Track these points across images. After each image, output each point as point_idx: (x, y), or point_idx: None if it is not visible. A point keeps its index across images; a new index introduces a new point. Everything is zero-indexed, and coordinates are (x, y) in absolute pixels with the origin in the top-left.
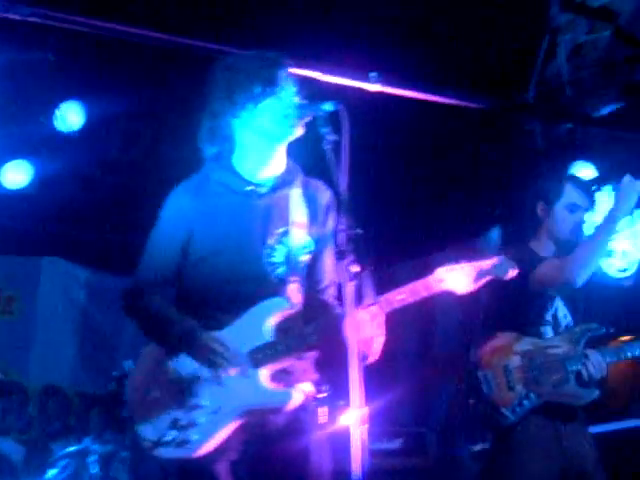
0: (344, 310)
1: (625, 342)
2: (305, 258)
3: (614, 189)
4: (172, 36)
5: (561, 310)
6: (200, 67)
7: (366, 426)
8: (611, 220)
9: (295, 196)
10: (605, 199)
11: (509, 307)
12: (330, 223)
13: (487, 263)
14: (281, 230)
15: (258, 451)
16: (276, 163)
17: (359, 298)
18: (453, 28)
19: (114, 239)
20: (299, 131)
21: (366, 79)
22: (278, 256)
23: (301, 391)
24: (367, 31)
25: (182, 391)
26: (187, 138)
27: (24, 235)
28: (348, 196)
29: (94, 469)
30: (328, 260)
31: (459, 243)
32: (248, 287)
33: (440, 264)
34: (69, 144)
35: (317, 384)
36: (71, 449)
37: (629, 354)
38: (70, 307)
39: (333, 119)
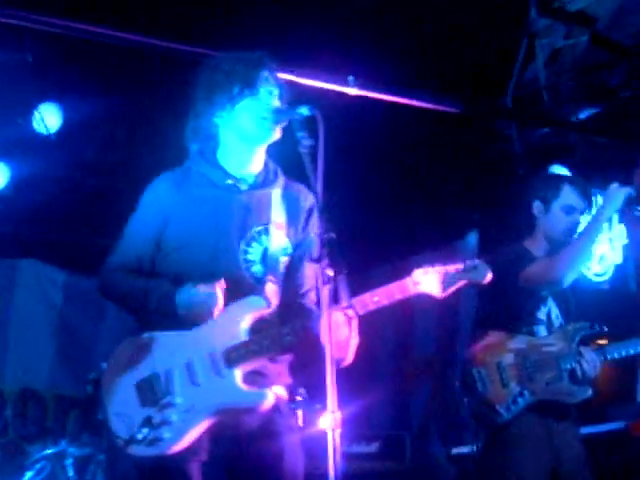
0: (320, 312)
1: (607, 344)
2: (283, 259)
3: (599, 193)
4: (150, 39)
5: (554, 311)
6: (179, 69)
7: (339, 430)
8: (596, 223)
9: (276, 196)
10: None
11: (501, 305)
12: (310, 228)
13: (463, 267)
14: (259, 228)
15: (231, 452)
16: (256, 163)
17: (334, 301)
18: (431, 32)
19: (91, 241)
20: (277, 134)
21: (344, 83)
22: (254, 254)
23: (274, 393)
24: (345, 34)
25: (155, 389)
26: (165, 140)
27: (0, 237)
28: (324, 200)
29: (70, 472)
30: (309, 265)
31: (437, 246)
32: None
33: (417, 267)
34: (46, 146)
35: (292, 388)
36: (47, 452)
37: (623, 353)
38: (47, 309)
39: (309, 123)
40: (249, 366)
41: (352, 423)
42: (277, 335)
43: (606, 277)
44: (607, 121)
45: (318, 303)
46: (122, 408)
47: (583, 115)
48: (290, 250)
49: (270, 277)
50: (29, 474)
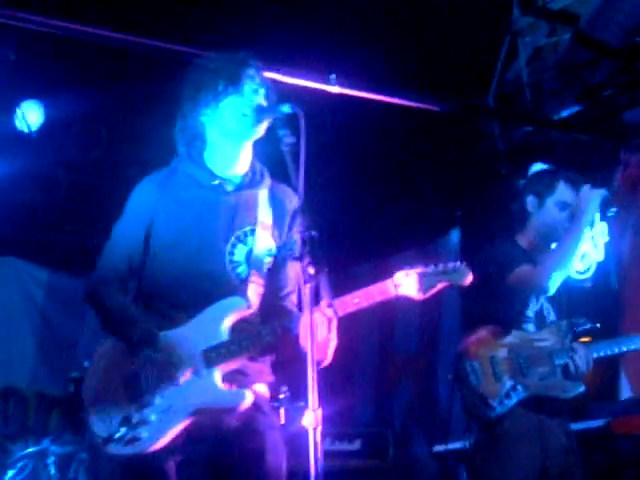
0: (300, 314)
1: (591, 342)
2: (268, 260)
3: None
4: (133, 37)
5: (545, 306)
6: (161, 67)
7: (320, 427)
8: (577, 229)
9: (262, 197)
10: None
11: (492, 302)
12: (295, 229)
13: (444, 269)
14: (246, 229)
15: (213, 451)
16: (242, 162)
17: (315, 301)
18: (413, 30)
19: (73, 240)
20: (261, 131)
21: (326, 81)
22: (239, 255)
23: (254, 392)
24: (327, 33)
25: (135, 388)
26: (147, 138)
27: None
28: (305, 198)
29: (52, 470)
30: (292, 267)
31: (419, 245)
32: (206, 284)
33: (400, 266)
34: (28, 144)
35: (273, 386)
36: (30, 450)
37: (616, 350)
38: (28, 307)
39: (291, 121)
40: (229, 366)
41: (335, 421)
42: (256, 335)
43: (588, 275)
44: (589, 119)
45: (299, 305)
46: (102, 408)
47: (565, 113)
48: (274, 251)
49: (253, 278)
50: (11, 473)
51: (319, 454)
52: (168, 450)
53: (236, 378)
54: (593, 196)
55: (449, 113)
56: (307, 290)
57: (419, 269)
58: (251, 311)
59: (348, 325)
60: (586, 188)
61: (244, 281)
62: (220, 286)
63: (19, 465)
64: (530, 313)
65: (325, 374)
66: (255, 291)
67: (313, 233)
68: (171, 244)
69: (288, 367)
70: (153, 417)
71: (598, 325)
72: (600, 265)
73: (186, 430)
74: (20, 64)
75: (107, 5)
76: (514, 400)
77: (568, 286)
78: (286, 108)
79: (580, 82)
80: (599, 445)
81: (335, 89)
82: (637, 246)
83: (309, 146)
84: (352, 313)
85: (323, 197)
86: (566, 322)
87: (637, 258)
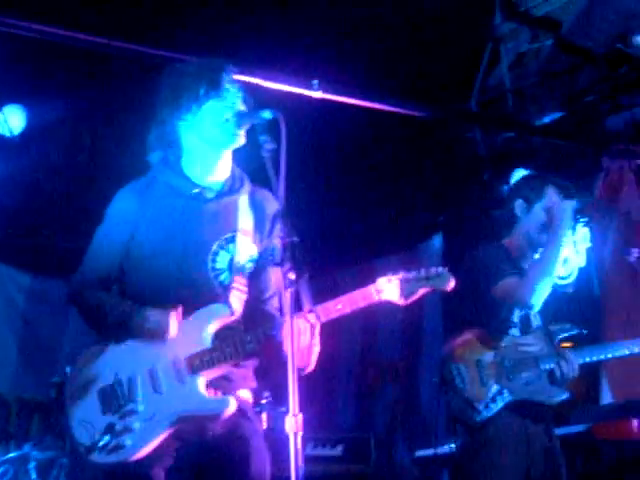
0: (282, 319)
1: (572, 348)
2: (249, 266)
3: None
4: (115, 41)
5: (531, 313)
6: (143, 72)
7: (301, 433)
8: (554, 242)
9: (242, 203)
10: None
11: (477, 308)
12: (276, 234)
13: (426, 274)
14: (227, 236)
15: (198, 457)
16: (222, 169)
17: (297, 306)
18: (396, 36)
19: (56, 244)
20: (241, 139)
21: (308, 86)
22: (221, 262)
23: (238, 398)
24: (309, 38)
25: (118, 396)
26: (130, 144)
27: None
28: (286, 203)
29: (33, 475)
30: (273, 271)
31: (402, 249)
32: (189, 292)
33: (382, 271)
34: (10, 148)
35: (257, 391)
36: (10, 455)
37: (602, 356)
38: (10, 312)
39: (272, 127)
40: (212, 373)
41: (317, 426)
42: (240, 342)
43: (570, 280)
44: (571, 125)
45: (281, 309)
46: (85, 415)
47: (548, 119)
48: (256, 257)
49: (236, 284)
50: None
51: (300, 459)
52: (153, 457)
53: (220, 384)
54: (565, 207)
55: (432, 119)
56: (288, 296)
57: (401, 275)
58: (234, 318)
59: (330, 330)
60: (556, 200)
61: (227, 288)
62: (203, 294)
63: (0, 470)
64: (515, 318)
65: (307, 379)
66: (238, 297)
67: (294, 239)
68: (153, 254)
69: (271, 372)
70: (137, 425)
71: (584, 331)
72: (582, 270)
73: (173, 436)
74: (2, 68)
75: (90, 9)
76: (500, 404)
77: (550, 292)
78: (267, 114)
79: (562, 88)
80: (581, 450)
81: (318, 94)
82: (618, 252)
83: (292, 151)
84: (335, 319)
85: (306, 202)
86: (552, 328)
87: (618, 264)
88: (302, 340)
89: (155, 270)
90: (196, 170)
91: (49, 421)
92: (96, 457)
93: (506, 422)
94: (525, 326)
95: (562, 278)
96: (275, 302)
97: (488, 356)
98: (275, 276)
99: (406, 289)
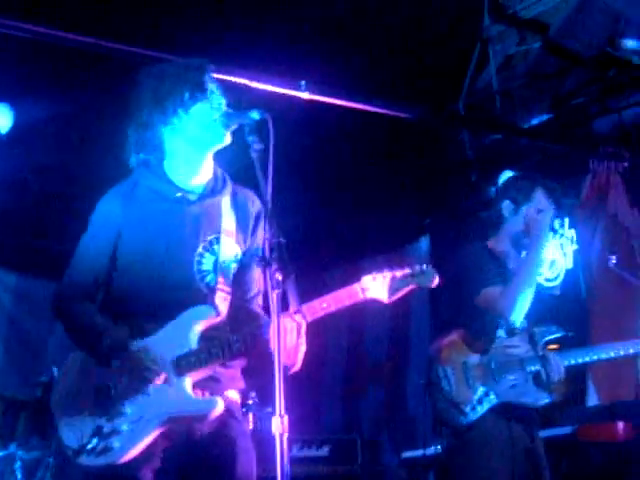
0: (269, 319)
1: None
2: (234, 267)
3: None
4: (102, 41)
5: None
6: (130, 71)
7: (286, 434)
8: (533, 254)
9: (225, 204)
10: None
11: (462, 308)
12: (259, 233)
13: (411, 271)
14: (211, 238)
15: (185, 458)
16: (205, 170)
17: (283, 306)
18: (384, 37)
19: (42, 244)
20: (227, 139)
21: (296, 87)
22: (207, 264)
23: (226, 399)
24: (298, 39)
25: (106, 398)
26: (117, 144)
27: None
28: (273, 204)
29: (19, 475)
30: (257, 270)
31: (389, 252)
32: (176, 294)
33: (368, 272)
34: None
35: (244, 392)
36: None
37: (587, 359)
38: None
39: (260, 127)
40: (199, 374)
41: (303, 427)
42: (226, 343)
43: (557, 282)
44: (559, 128)
45: (266, 308)
46: (72, 418)
47: (535, 121)
48: (240, 256)
49: (221, 285)
50: None
51: (286, 460)
52: (142, 459)
53: (208, 385)
54: (545, 217)
55: (419, 120)
56: (275, 296)
57: (386, 272)
58: (220, 319)
59: (317, 330)
60: (544, 203)
61: (213, 290)
62: (189, 296)
63: None
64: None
65: (294, 380)
66: (223, 298)
67: (280, 239)
68: (138, 258)
69: (258, 372)
70: (125, 427)
71: (570, 334)
72: (569, 272)
73: (161, 437)
74: None
75: (77, 9)
76: (486, 407)
77: (537, 294)
78: (255, 114)
79: (550, 91)
80: (566, 452)
81: (305, 95)
82: (605, 254)
83: (279, 152)
84: (321, 318)
85: (293, 203)
86: (538, 329)
87: (604, 266)
88: (288, 340)
89: (140, 274)
90: (179, 173)
91: (35, 421)
92: (84, 460)
93: (492, 424)
94: (511, 328)
95: (549, 280)
96: (260, 301)
97: (474, 358)
98: (259, 275)
99: (391, 286)
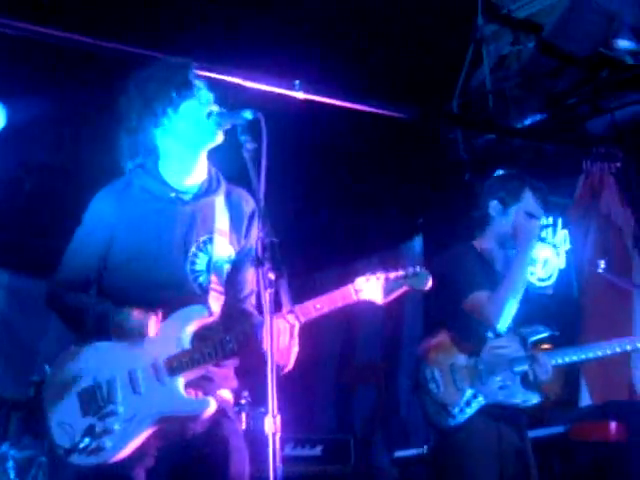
0: (262, 319)
1: (551, 349)
2: (227, 267)
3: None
4: (97, 40)
5: None
6: (125, 70)
7: (279, 434)
8: (519, 263)
9: (219, 204)
10: None
11: (449, 309)
12: (253, 232)
13: (404, 273)
14: (205, 238)
15: (178, 457)
16: (199, 170)
17: (277, 306)
18: (378, 37)
19: (35, 242)
20: (219, 138)
21: (290, 87)
22: (200, 264)
23: (219, 398)
24: (293, 39)
25: (98, 398)
26: (111, 143)
27: None
28: (266, 204)
29: (11, 474)
30: (250, 269)
31: (382, 251)
32: (168, 294)
33: (363, 272)
34: None
35: (237, 391)
36: None
37: (575, 358)
38: None
39: (253, 127)
40: (192, 374)
41: (296, 427)
42: (219, 343)
43: (550, 282)
44: (553, 128)
45: (259, 307)
46: (64, 417)
47: (529, 121)
48: (233, 257)
49: (214, 285)
50: None
51: (278, 460)
52: (134, 458)
53: (201, 384)
54: (531, 227)
55: (412, 120)
56: (267, 296)
57: (379, 274)
58: (213, 318)
59: (310, 330)
60: (533, 204)
61: (206, 290)
62: (182, 296)
63: None
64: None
65: (287, 379)
66: (216, 298)
67: (273, 239)
68: (130, 257)
69: (251, 372)
70: (117, 426)
71: (557, 333)
72: (561, 272)
73: (152, 437)
74: None
75: (72, 7)
76: (475, 408)
77: (525, 292)
78: (247, 114)
79: (544, 91)
80: (558, 451)
81: (299, 95)
82: (597, 254)
83: (272, 151)
84: (314, 319)
85: (287, 202)
86: (525, 330)
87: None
88: (281, 340)
89: (133, 273)
90: (173, 173)
91: (27, 420)
92: (76, 459)
93: (480, 426)
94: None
95: (542, 280)
96: (253, 300)
97: (462, 359)
98: (252, 275)
99: (385, 288)
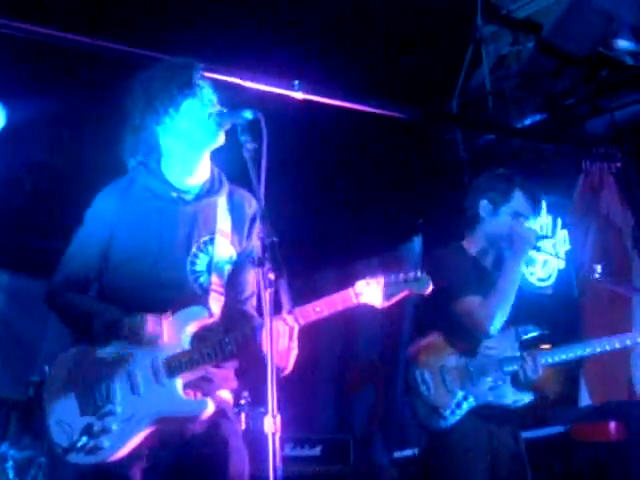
0: (262, 321)
1: (549, 349)
2: (228, 268)
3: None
4: (96, 40)
5: None
6: (125, 71)
7: (279, 434)
8: (512, 268)
9: (221, 205)
10: None
11: (439, 310)
12: (255, 233)
13: (405, 278)
14: (206, 238)
15: (177, 457)
16: (202, 170)
17: (276, 307)
18: (377, 37)
19: (35, 242)
20: (221, 138)
21: (289, 87)
22: (201, 264)
23: (218, 399)
24: (292, 39)
25: (96, 397)
26: (111, 143)
27: None
28: (266, 204)
29: (11, 474)
30: (251, 271)
31: (382, 252)
32: (168, 294)
33: (363, 273)
34: None
35: (237, 392)
36: None
37: (564, 357)
38: None
39: (253, 127)
40: (191, 375)
41: (296, 427)
42: (218, 344)
43: (549, 282)
44: (552, 128)
45: (260, 310)
46: (63, 416)
47: (528, 121)
48: (235, 258)
49: (214, 286)
50: None
51: (278, 460)
52: (133, 457)
53: (201, 385)
54: (528, 235)
55: (412, 120)
56: (267, 296)
57: (380, 278)
58: (213, 319)
59: (310, 332)
60: (523, 205)
61: (206, 290)
62: (183, 296)
63: None
64: None
65: (286, 380)
66: (216, 299)
67: (274, 239)
68: (131, 256)
69: (250, 373)
70: (115, 426)
71: (547, 332)
72: (561, 272)
73: (150, 437)
74: None
75: (72, 7)
76: (465, 410)
77: (525, 292)
78: (248, 114)
79: (543, 91)
80: (558, 452)
81: (298, 95)
82: (597, 255)
83: (272, 152)
84: (314, 321)
85: (287, 203)
86: (514, 329)
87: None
88: (280, 343)
89: (133, 273)
90: (175, 173)
91: (27, 420)
92: (74, 458)
93: (471, 427)
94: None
95: (541, 280)
96: (253, 302)
97: (452, 361)
98: (253, 277)
99: (385, 292)
